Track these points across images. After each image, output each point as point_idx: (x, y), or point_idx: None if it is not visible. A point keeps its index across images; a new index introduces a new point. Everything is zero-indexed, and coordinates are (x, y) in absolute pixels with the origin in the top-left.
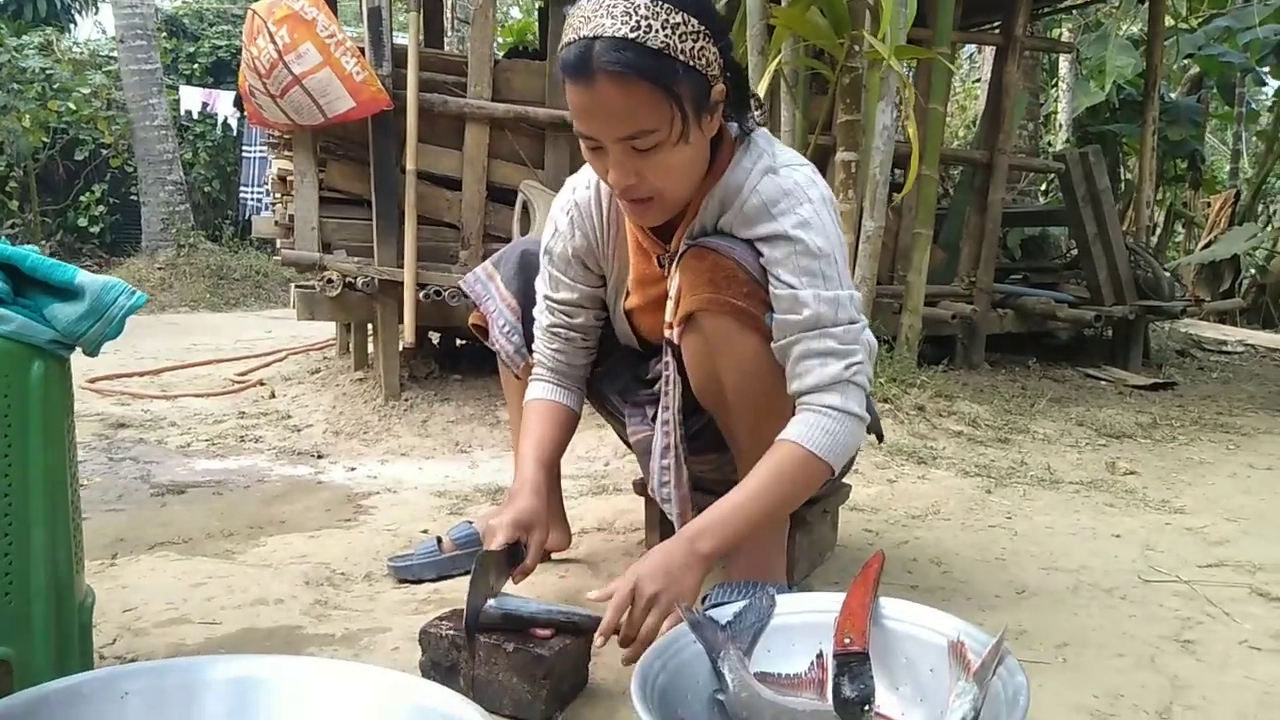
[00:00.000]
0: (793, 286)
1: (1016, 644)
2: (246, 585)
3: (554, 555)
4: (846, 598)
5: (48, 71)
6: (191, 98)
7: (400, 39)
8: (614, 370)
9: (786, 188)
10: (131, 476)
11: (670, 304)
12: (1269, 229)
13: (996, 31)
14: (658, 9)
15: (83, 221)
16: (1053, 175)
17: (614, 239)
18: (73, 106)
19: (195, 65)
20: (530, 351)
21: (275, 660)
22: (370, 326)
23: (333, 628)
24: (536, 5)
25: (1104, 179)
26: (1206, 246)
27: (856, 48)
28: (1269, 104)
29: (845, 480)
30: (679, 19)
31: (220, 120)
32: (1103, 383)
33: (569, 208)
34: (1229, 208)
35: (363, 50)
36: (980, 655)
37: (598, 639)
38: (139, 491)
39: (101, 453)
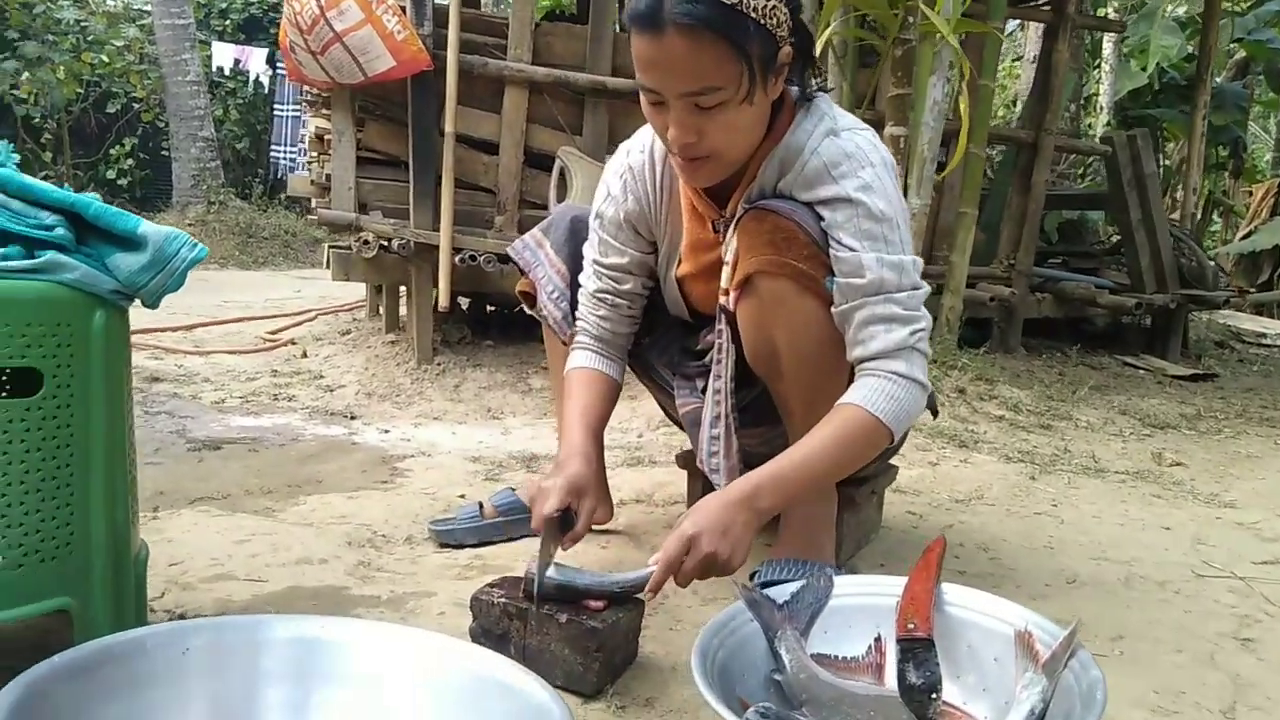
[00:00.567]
0: (855, 250)
1: None
2: (290, 544)
3: (595, 527)
4: (909, 582)
5: (82, 23)
6: (224, 54)
7: None
8: (662, 341)
9: (848, 150)
10: (167, 431)
11: (726, 269)
12: None
13: (1047, 8)
14: None
15: (113, 175)
16: (1091, 159)
17: (667, 204)
18: (106, 59)
19: (228, 21)
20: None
21: (333, 621)
22: (403, 289)
23: (378, 589)
24: None
25: (1151, 163)
26: (1246, 236)
27: (910, 19)
28: None
29: (892, 461)
30: None
31: (252, 78)
32: (1141, 371)
33: (622, 171)
34: (1271, 197)
35: (404, 9)
36: (1049, 647)
37: (647, 594)
38: (175, 446)
39: (138, 405)
